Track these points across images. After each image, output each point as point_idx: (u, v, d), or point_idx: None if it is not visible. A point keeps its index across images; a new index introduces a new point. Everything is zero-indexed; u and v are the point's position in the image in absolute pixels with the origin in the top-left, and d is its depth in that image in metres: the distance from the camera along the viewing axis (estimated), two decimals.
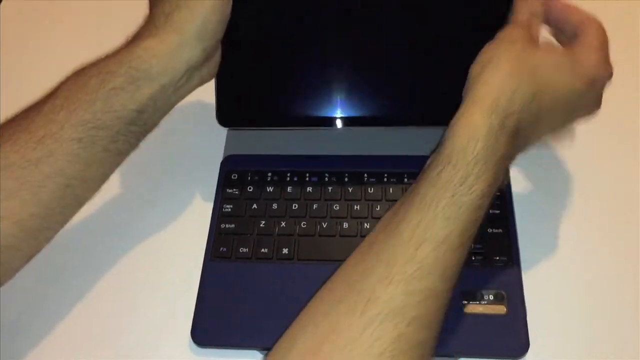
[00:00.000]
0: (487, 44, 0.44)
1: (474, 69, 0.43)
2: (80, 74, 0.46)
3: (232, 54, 0.52)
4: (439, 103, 0.49)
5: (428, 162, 0.42)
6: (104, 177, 0.48)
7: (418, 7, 0.52)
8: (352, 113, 0.54)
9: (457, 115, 0.41)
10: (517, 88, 0.41)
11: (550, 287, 0.50)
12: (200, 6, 0.46)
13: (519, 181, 0.55)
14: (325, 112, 0.55)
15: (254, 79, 0.55)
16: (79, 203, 0.48)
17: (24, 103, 0.65)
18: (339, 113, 0.54)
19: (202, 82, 0.50)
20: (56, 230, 0.48)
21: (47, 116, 0.45)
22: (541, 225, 0.53)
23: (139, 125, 0.47)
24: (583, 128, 0.57)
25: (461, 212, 0.39)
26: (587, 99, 0.45)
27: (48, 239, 0.47)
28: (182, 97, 0.50)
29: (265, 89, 0.55)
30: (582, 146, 0.57)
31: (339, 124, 0.55)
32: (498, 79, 0.41)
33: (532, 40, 0.44)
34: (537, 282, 0.50)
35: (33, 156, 0.44)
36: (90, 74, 0.46)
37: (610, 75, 0.45)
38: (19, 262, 0.46)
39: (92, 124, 0.45)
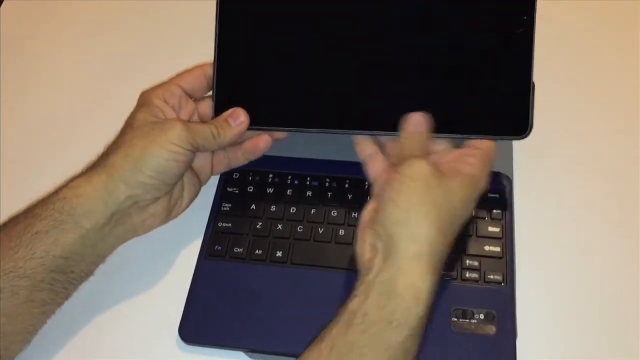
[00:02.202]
0: (394, 178, 0.45)
1: (389, 209, 0.44)
2: (12, 219, 0.46)
3: (229, 50, 0.51)
4: (440, 112, 0.50)
5: (355, 307, 0.42)
6: (31, 330, 0.46)
7: (424, 13, 0.50)
8: (344, 117, 0.52)
9: (389, 271, 0.42)
10: (441, 238, 0.43)
11: (544, 311, 0.49)
12: (140, 155, 0.46)
13: (522, 203, 0.54)
14: (319, 114, 0.52)
15: (250, 78, 0.53)
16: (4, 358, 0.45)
17: (24, 103, 0.66)
18: (331, 115, 0.52)
19: (134, 234, 0.50)
20: None
21: None
22: (540, 248, 0.52)
23: (65, 272, 0.45)
24: (583, 134, 0.58)
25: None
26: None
27: None
28: (113, 247, 0.49)
29: (261, 89, 0.53)
30: (583, 160, 0.57)
31: (331, 126, 0.52)
32: (425, 233, 0.42)
33: (435, 169, 0.45)
34: (530, 305, 0.49)
35: None
36: (18, 219, 0.45)
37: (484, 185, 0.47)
38: None
39: (14, 273, 0.43)
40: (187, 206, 0.53)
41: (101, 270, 0.54)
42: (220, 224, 0.54)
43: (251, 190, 0.56)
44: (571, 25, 0.65)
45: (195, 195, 0.54)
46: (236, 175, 0.57)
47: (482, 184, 0.47)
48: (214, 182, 0.57)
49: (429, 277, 0.42)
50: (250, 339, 0.49)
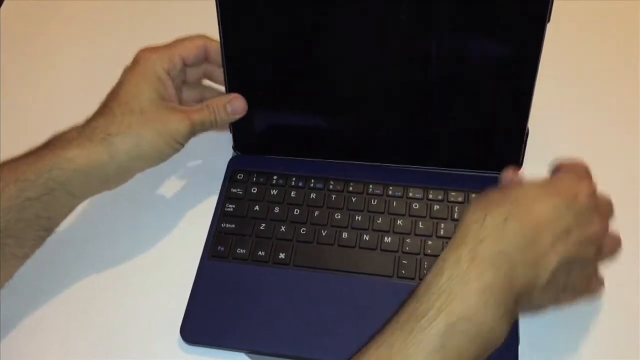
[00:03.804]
0: None
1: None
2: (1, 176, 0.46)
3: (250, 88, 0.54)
4: (441, 147, 0.55)
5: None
6: (7, 278, 0.48)
7: (433, 57, 0.52)
8: (360, 149, 0.57)
9: None
10: (486, 214, 0.40)
11: (546, 317, 0.49)
12: (146, 148, 0.49)
13: None
14: (337, 146, 0.57)
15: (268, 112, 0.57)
16: None
17: (24, 103, 0.66)
18: (350, 147, 0.57)
19: (101, 192, 0.51)
20: None
21: None
22: None
23: (48, 230, 0.48)
24: (588, 139, 0.58)
25: (420, 349, 0.37)
26: (577, 216, 0.41)
27: None
28: (82, 201, 0.51)
29: (278, 121, 0.57)
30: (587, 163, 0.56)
31: (351, 158, 0.57)
32: (468, 213, 0.41)
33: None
34: (533, 319, 0.49)
35: None
36: (7, 179, 0.46)
37: (591, 188, 0.42)
38: None
39: (4, 233, 0.45)
40: None
41: (104, 268, 0.54)
42: (223, 225, 0.54)
43: (255, 191, 0.56)
44: (571, 26, 0.65)
45: None
46: (240, 176, 0.57)
47: (570, 181, 0.42)
48: (218, 181, 0.57)
49: (462, 247, 0.39)
50: (251, 340, 0.49)
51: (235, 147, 0.58)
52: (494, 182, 0.54)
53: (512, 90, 0.51)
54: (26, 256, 0.48)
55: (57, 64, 0.69)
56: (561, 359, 0.48)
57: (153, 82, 0.50)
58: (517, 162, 0.54)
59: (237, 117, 0.54)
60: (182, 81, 0.55)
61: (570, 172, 0.44)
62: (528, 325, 0.48)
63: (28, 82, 0.68)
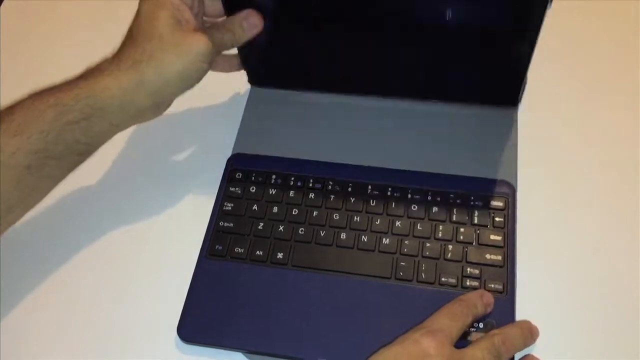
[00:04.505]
0: None
1: None
2: (37, 100, 0.48)
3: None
4: (446, 80, 0.56)
5: None
6: (40, 199, 0.50)
7: None
8: (372, 82, 0.58)
9: None
10: None
11: (544, 322, 0.49)
12: (169, 71, 0.49)
13: (525, 212, 0.54)
14: (348, 79, 0.57)
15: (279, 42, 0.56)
16: (8, 223, 0.49)
17: None
18: (362, 80, 0.58)
19: (143, 121, 0.53)
20: None
21: (1, 139, 0.46)
22: (542, 257, 0.52)
23: (83, 154, 0.50)
24: (590, 142, 0.58)
25: None
26: None
27: None
28: (122, 130, 0.52)
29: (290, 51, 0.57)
30: (588, 168, 0.57)
31: (364, 90, 0.58)
32: None
33: None
34: (530, 315, 0.49)
35: None
36: (47, 102, 0.47)
37: (438, 339, 0.43)
38: None
39: (44, 154, 0.47)
40: None
41: (101, 267, 0.54)
42: (221, 224, 0.54)
43: (253, 190, 0.56)
44: (571, 26, 0.65)
45: None
46: (239, 175, 0.57)
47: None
48: (217, 180, 0.57)
49: None
50: (249, 340, 0.49)
51: (250, 81, 0.60)
52: (492, 183, 0.54)
53: (516, 27, 0.50)
54: (59, 179, 0.50)
55: (57, 63, 0.69)
56: (561, 359, 0.48)
57: (168, 8, 0.50)
58: (516, 99, 0.56)
59: (255, 32, 0.53)
60: (203, 14, 0.54)
61: (420, 327, 0.45)
62: None
63: (28, 82, 0.67)
